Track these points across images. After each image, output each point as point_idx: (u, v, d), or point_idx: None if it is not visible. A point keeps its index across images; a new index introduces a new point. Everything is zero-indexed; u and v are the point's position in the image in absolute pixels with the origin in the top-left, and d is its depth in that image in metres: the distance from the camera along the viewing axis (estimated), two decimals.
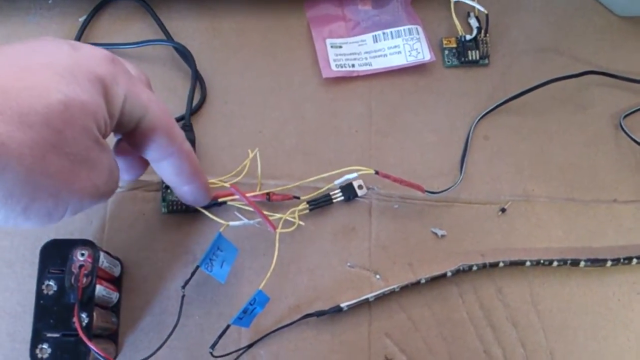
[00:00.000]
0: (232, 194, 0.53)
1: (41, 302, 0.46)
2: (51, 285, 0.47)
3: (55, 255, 0.47)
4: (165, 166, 0.44)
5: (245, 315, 0.50)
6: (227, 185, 0.52)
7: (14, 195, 0.32)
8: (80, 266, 0.46)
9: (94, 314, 0.46)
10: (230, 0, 0.64)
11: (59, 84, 0.34)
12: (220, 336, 0.51)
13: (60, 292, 0.47)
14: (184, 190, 0.47)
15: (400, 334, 0.54)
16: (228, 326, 0.50)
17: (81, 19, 0.63)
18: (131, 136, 0.42)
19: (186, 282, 0.50)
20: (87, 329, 0.46)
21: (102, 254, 0.48)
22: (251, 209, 0.52)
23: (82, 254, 0.46)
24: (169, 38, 0.62)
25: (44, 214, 0.35)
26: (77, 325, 0.44)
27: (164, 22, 0.62)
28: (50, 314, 0.46)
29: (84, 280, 0.46)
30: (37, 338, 0.46)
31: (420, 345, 0.54)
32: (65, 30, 0.62)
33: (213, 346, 0.51)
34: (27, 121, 0.32)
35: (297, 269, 0.55)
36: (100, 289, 0.48)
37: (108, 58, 0.39)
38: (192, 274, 0.50)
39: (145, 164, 0.48)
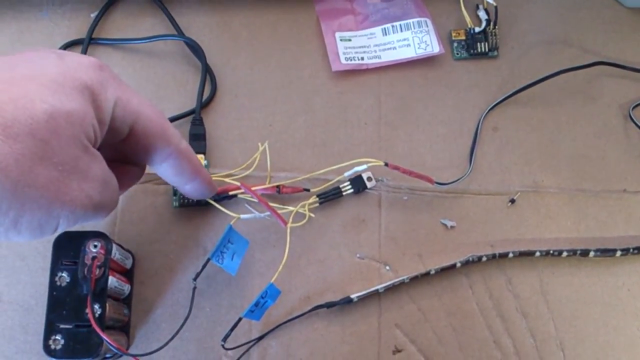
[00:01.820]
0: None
1: (54, 293, 0.47)
2: (64, 277, 0.47)
3: (68, 247, 0.48)
4: (165, 168, 0.44)
5: (257, 309, 0.50)
6: (237, 183, 0.53)
7: (1, 208, 0.32)
8: (93, 258, 0.46)
9: (107, 305, 0.47)
10: None
11: (44, 94, 0.34)
12: (232, 329, 0.51)
13: (73, 283, 0.47)
14: (187, 189, 0.47)
15: (410, 325, 0.55)
16: (240, 319, 0.51)
17: (93, 15, 0.63)
18: (126, 143, 0.41)
19: (197, 274, 0.50)
20: (100, 320, 0.46)
21: (114, 246, 0.48)
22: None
23: (95, 246, 0.47)
24: (179, 33, 0.62)
25: (35, 226, 0.34)
26: (90, 316, 0.45)
27: (174, 17, 0.63)
28: (63, 305, 0.47)
29: (97, 271, 0.46)
30: (50, 329, 0.46)
31: (430, 335, 0.54)
32: (77, 25, 0.63)
33: (225, 339, 0.51)
34: (12, 133, 0.31)
35: (307, 261, 0.56)
36: (112, 281, 0.48)
37: (95, 65, 0.38)
38: (204, 266, 0.50)
39: (138, 173, 0.47)
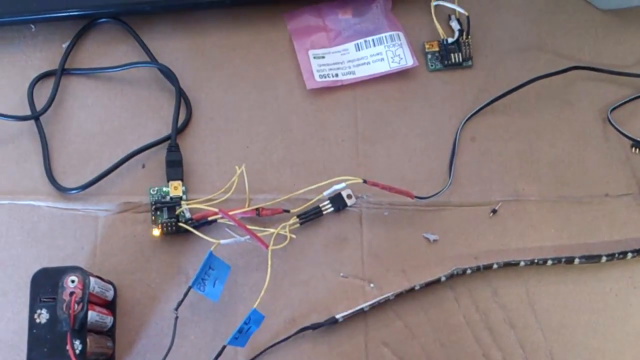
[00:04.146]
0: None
1: (34, 331, 0.47)
2: (43, 314, 0.47)
3: (46, 283, 0.47)
4: None
5: (241, 335, 0.50)
6: (214, 209, 0.52)
7: None
8: (71, 293, 0.46)
9: (88, 340, 0.46)
10: (212, 18, 0.64)
11: None
12: (217, 357, 0.50)
13: (53, 320, 0.46)
14: None
15: (398, 342, 0.54)
16: (224, 347, 0.50)
17: (65, 45, 0.63)
18: None
19: (179, 304, 0.50)
20: (81, 356, 0.46)
21: (92, 279, 0.48)
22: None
23: (73, 281, 0.46)
24: (152, 59, 0.62)
25: None
26: (70, 353, 0.44)
27: (147, 43, 0.63)
28: (44, 343, 0.46)
29: (76, 307, 0.46)
30: None
31: (418, 352, 0.54)
32: (49, 57, 0.62)
33: None
34: None
35: (291, 282, 0.55)
36: (93, 315, 0.48)
37: None
38: (185, 294, 0.50)
39: None
